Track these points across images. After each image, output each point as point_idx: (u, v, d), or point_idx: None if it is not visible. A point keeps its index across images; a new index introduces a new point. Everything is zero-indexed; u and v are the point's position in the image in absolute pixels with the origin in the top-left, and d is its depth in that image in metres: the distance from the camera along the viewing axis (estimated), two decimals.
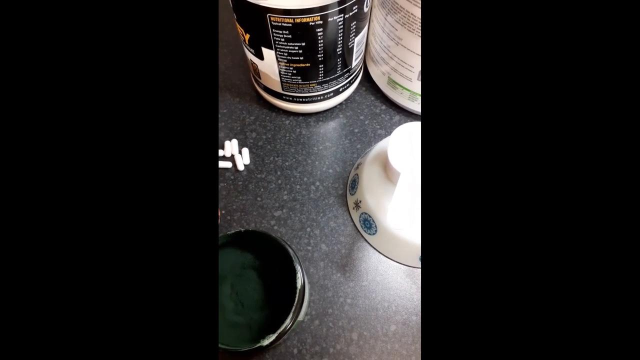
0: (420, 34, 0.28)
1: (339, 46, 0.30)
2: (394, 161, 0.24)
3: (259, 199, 0.33)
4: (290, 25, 0.27)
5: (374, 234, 0.29)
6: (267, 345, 0.20)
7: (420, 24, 0.27)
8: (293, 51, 0.29)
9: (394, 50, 0.31)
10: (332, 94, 0.35)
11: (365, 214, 0.29)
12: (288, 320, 0.21)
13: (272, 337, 0.20)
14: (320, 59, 0.30)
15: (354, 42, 0.31)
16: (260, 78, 0.34)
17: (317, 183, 0.34)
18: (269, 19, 0.27)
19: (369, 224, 0.29)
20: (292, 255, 0.22)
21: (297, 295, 0.21)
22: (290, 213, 0.32)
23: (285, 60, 0.30)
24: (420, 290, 0.29)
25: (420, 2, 0.26)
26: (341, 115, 0.37)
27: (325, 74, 0.32)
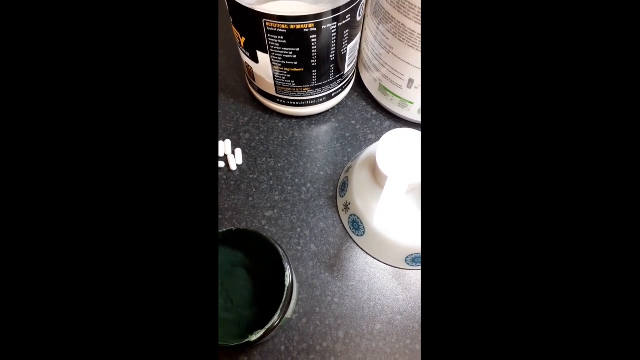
0: (410, 44, 0.29)
1: (332, 52, 0.31)
2: (382, 165, 0.25)
3: (250, 198, 0.34)
4: (285, 31, 0.28)
5: (362, 235, 0.30)
6: (254, 341, 0.21)
7: (410, 34, 0.28)
8: (287, 56, 0.30)
9: (385, 58, 0.32)
10: (324, 99, 0.36)
11: (354, 215, 0.30)
12: (276, 317, 0.21)
13: (260, 332, 0.21)
14: (313, 64, 0.31)
15: (346, 49, 0.32)
16: (254, 80, 0.35)
17: (308, 185, 0.34)
18: (265, 24, 0.27)
19: (357, 225, 0.30)
20: (281, 254, 0.23)
21: (285, 292, 0.22)
22: (281, 213, 0.33)
23: (280, 65, 0.31)
24: (405, 290, 0.30)
25: (410, 13, 0.27)
26: (333, 120, 0.38)
27: (318, 79, 0.33)
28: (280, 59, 0.30)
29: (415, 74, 0.31)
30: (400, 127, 0.36)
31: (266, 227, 0.32)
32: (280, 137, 0.37)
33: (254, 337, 0.21)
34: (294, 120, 0.38)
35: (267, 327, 0.21)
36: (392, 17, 0.29)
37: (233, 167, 0.35)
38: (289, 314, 0.25)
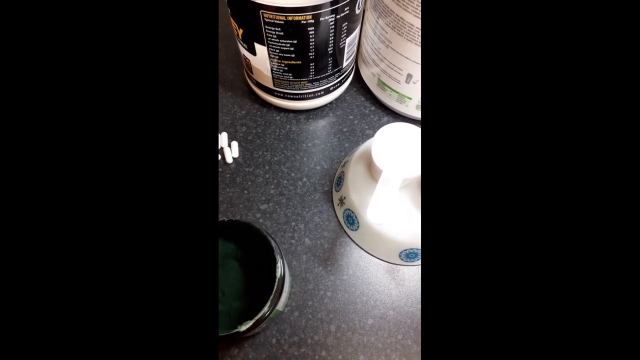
0: (409, 38, 0.29)
1: (330, 46, 0.31)
2: (377, 159, 0.25)
3: (246, 192, 0.33)
4: (283, 22, 0.27)
5: (356, 229, 0.30)
6: (244, 332, 0.21)
7: (409, 28, 0.28)
8: (285, 48, 0.30)
9: (384, 52, 0.32)
10: (322, 93, 0.35)
11: (349, 210, 0.30)
12: (266, 308, 0.21)
13: (249, 323, 0.21)
14: (311, 57, 0.31)
15: (345, 43, 0.32)
16: (252, 73, 0.35)
17: (304, 179, 0.34)
18: (262, 15, 0.27)
19: (351, 219, 0.30)
20: (273, 245, 0.23)
21: (276, 284, 0.22)
22: (276, 207, 0.33)
23: (277, 57, 0.31)
24: (398, 286, 0.30)
25: (409, 7, 0.27)
26: (331, 114, 0.38)
27: (316, 73, 0.33)
28: (277, 51, 0.30)
29: (413, 68, 0.31)
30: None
31: (261, 221, 0.32)
32: (277, 130, 0.37)
33: (243, 328, 0.21)
34: (291, 114, 0.38)
35: (256, 317, 0.21)
36: (391, 10, 0.29)
37: (229, 159, 0.35)
38: (280, 307, 0.24)
